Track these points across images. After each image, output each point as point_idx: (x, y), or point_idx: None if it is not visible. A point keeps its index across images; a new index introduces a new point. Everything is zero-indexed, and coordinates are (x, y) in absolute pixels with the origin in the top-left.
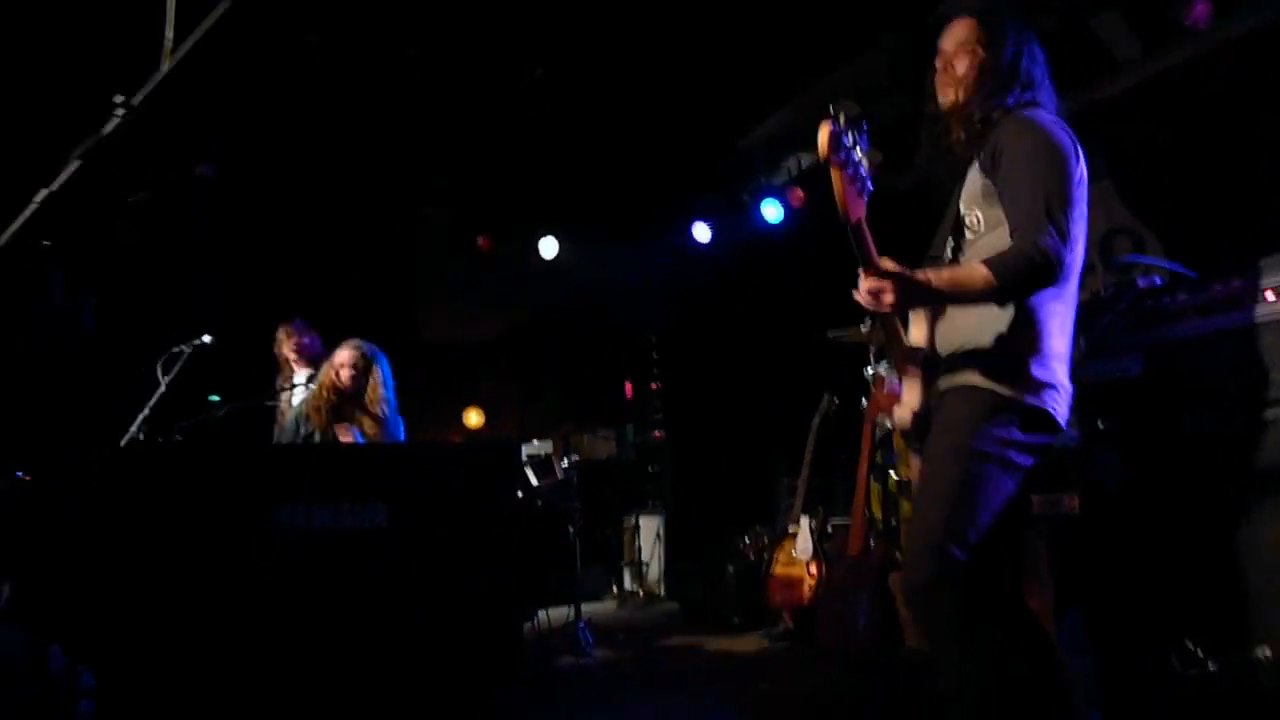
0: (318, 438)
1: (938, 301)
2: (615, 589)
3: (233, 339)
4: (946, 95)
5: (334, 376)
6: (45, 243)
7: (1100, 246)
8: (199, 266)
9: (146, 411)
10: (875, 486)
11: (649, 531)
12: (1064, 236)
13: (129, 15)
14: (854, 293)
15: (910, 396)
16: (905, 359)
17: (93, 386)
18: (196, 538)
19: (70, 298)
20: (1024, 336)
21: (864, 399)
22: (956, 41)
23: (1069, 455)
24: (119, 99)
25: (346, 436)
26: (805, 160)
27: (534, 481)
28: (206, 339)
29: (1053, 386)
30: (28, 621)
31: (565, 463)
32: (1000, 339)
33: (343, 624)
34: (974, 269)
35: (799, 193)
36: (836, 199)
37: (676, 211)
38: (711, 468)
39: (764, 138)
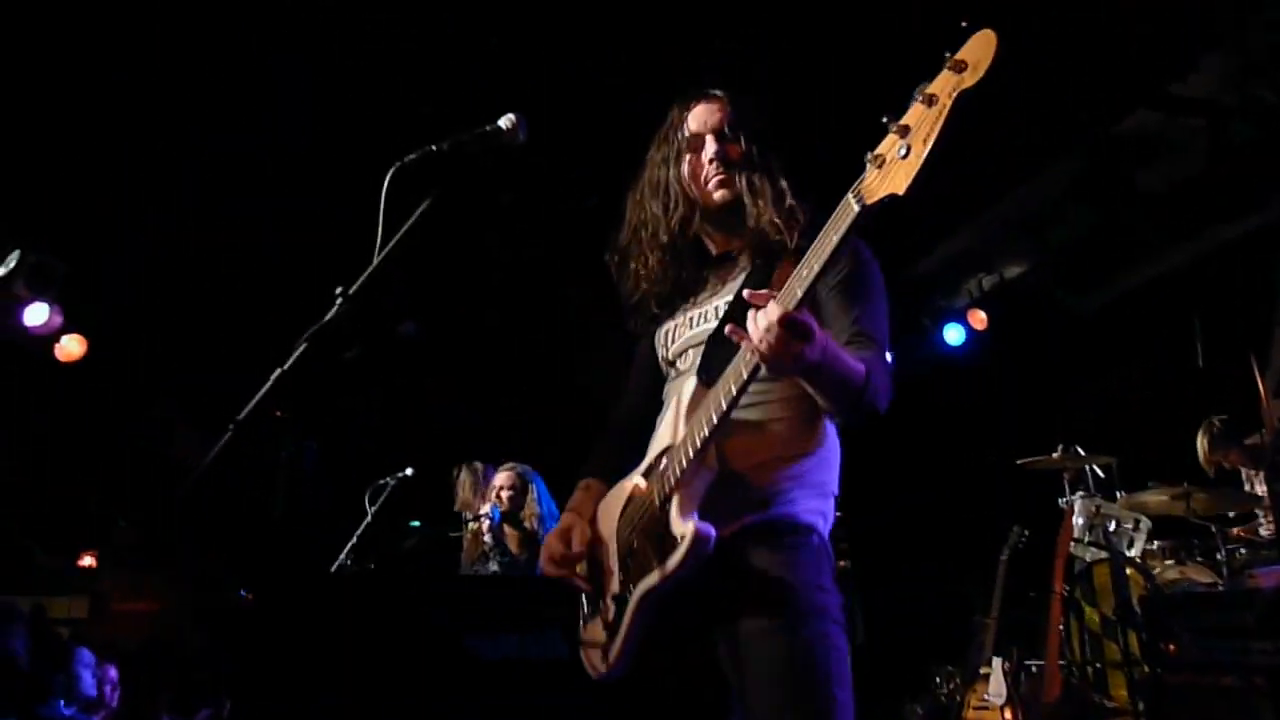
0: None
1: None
2: None
3: (434, 470)
4: None
5: (494, 498)
6: (278, 413)
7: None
8: (405, 407)
9: (354, 540)
10: (1073, 624)
11: None
12: None
13: (350, 224)
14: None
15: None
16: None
17: (313, 520)
18: (398, 660)
19: (296, 448)
20: (832, 464)
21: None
22: None
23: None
24: (339, 290)
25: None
26: (987, 282)
27: None
28: (409, 471)
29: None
30: None
31: None
32: (816, 460)
33: None
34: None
35: (980, 315)
36: None
37: None
38: (901, 600)
39: (943, 259)
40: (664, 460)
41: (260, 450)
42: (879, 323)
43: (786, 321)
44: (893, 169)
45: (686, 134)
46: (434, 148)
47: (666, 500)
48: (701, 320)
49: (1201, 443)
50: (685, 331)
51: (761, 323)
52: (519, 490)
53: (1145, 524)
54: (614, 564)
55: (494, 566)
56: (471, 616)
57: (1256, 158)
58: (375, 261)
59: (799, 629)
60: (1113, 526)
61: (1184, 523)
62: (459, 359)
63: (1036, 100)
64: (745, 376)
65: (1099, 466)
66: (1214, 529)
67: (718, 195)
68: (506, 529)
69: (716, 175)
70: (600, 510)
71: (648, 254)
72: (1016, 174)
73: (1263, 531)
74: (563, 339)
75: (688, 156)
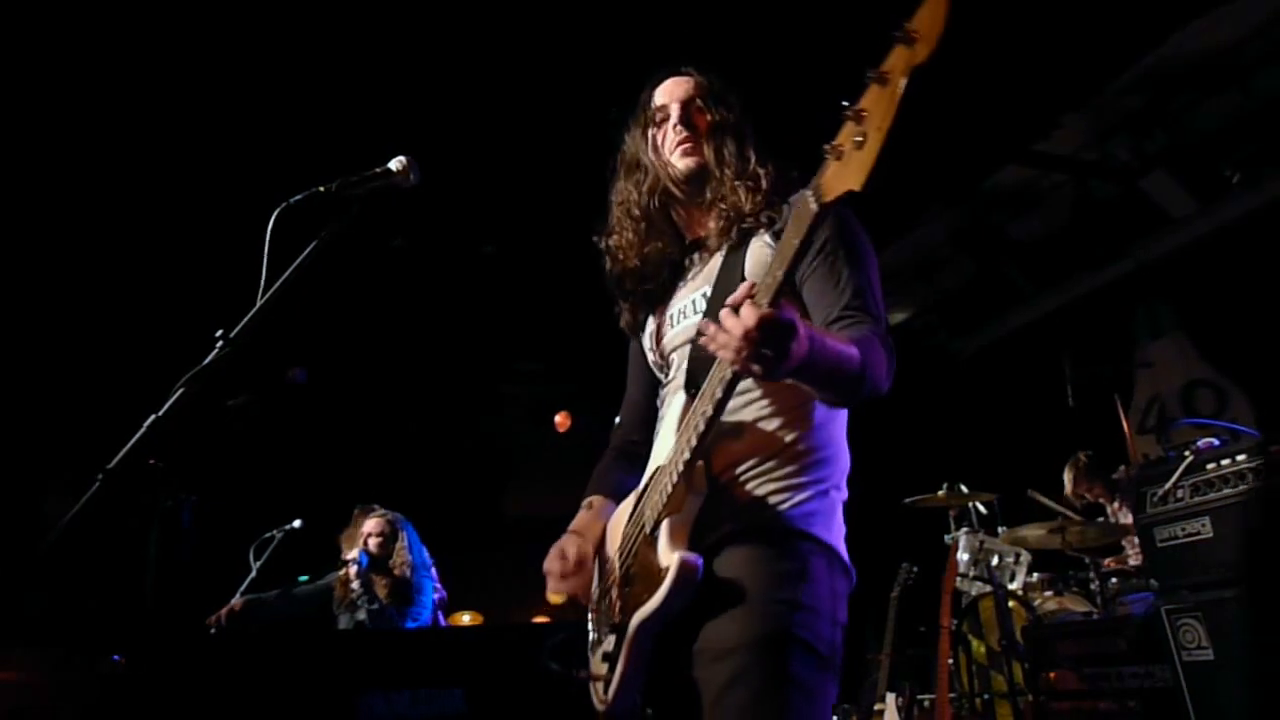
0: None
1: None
2: None
3: (327, 521)
4: None
5: (362, 544)
6: (152, 462)
7: (1181, 398)
8: (291, 459)
9: (237, 597)
10: (962, 657)
11: None
12: None
13: (232, 263)
14: (709, 327)
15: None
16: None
17: (192, 575)
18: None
19: (174, 500)
20: (833, 458)
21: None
22: None
23: (1156, 623)
24: (219, 333)
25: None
26: None
27: None
28: (297, 524)
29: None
30: None
31: None
32: (812, 456)
33: None
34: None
35: None
36: None
37: None
38: None
39: None
40: (655, 481)
41: (135, 503)
42: (870, 291)
43: (762, 325)
44: (850, 160)
45: (654, 107)
46: (320, 189)
47: (656, 527)
48: (681, 318)
49: (1068, 477)
50: (668, 331)
51: (735, 330)
52: (388, 537)
53: (1025, 557)
54: (615, 590)
55: (362, 615)
56: (362, 675)
57: (1114, 212)
58: (259, 304)
59: (762, 663)
60: (995, 561)
61: (1060, 555)
62: (349, 406)
63: (915, 153)
64: (720, 395)
65: (981, 503)
66: (1087, 560)
67: (682, 164)
68: (374, 576)
69: (680, 142)
70: (610, 529)
71: (626, 230)
72: (899, 225)
73: (1132, 561)
74: (458, 389)
75: (655, 129)
